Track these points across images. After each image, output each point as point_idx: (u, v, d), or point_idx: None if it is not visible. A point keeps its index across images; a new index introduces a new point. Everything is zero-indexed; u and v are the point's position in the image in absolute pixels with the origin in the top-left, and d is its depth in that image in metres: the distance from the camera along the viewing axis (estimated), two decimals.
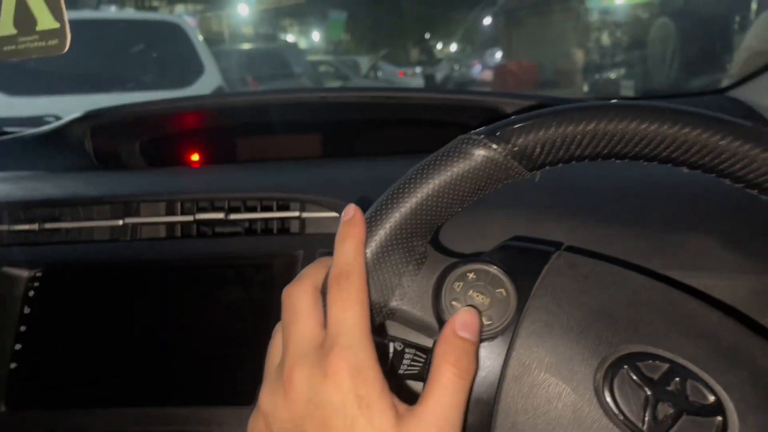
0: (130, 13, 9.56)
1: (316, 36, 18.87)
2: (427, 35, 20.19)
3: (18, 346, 0.73)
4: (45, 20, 0.48)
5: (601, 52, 12.14)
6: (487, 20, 22.74)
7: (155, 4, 10.38)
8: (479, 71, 19.81)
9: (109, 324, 0.74)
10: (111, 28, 4.59)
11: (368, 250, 0.49)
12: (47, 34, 0.48)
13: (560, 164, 0.48)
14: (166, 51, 4.51)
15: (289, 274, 0.70)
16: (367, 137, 1.11)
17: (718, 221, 0.65)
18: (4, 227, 0.82)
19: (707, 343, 0.46)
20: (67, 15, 0.50)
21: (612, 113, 0.46)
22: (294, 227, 0.78)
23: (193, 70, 4.39)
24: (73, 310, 0.75)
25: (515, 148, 0.47)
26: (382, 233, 0.49)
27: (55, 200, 0.83)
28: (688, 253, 0.63)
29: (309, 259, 0.70)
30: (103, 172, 0.99)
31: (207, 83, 4.42)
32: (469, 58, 21.44)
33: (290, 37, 17.93)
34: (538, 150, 0.47)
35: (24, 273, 0.77)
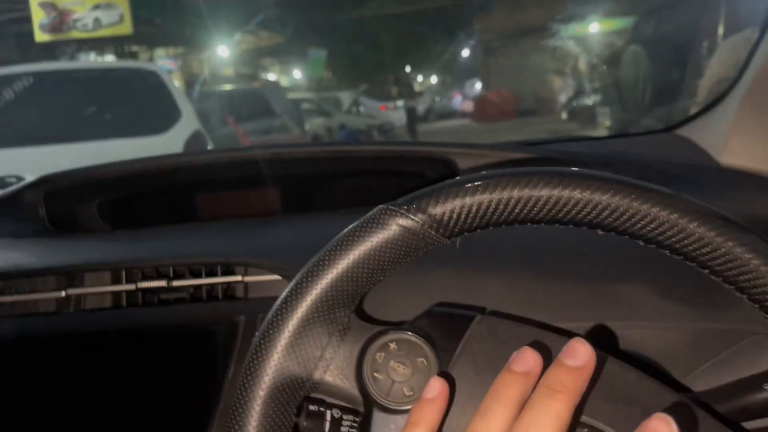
0: (107, 61, 9.63)
1: (297, 74, 19.07)
2: (407, 68, 20.47)
3: None
4: None
5: (578, 79, 12.34)
6: (466, 52, 23.13)
7: (135, 49, 10.46)
8: (460, 102, 20.07)
9: (56, 398, 0.73)
10: (86, 78, 4.61)
11: (290, 324, 0.49)
12: None
13: (478, 230, 0.48)
14: (142, 98, 4.53)
15: (231, 342, 0.70)
16: (325, 190, 1.11)
17: (650, 271, 0.65)
18: None
19: (626, 406, 0.46)
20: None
21: (523, 181, 0.46)
22: (239, 291, 0.78)
23: (169, 115, 4.41)
24: (20, 387, 0.74)
25: (431, 218, 0.47)
26: (303, 306, 0.49)
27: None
28: (622, 303, 0.63)
29: (251, 325, 0.70)
30: (50, 239, 0.98)
31: (184, 128, 4.44)
32: (450, 90, 21.72)
33: (271, 76, 18.11)
34: (454, 218, 0.47)
35: None
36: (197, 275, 0.79)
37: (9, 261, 0.84)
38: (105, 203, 1.10)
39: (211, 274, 0.78)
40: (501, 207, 0.46)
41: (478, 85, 21.18)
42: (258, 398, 0.48)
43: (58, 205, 1.06)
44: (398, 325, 0.52)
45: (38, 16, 6.79)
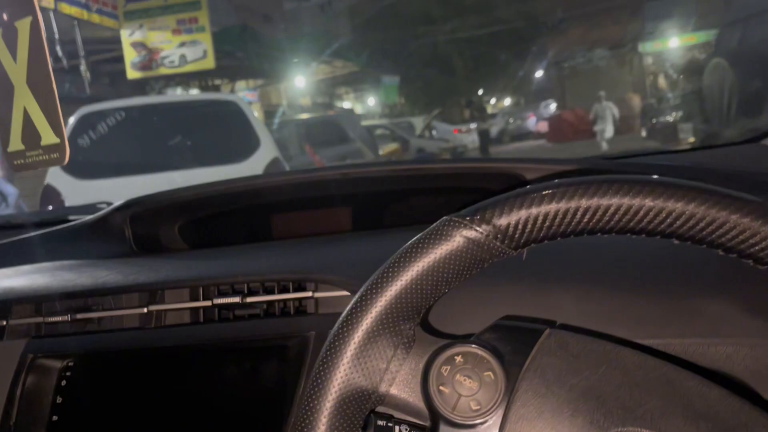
0: (191, 94, 10.13)
1: (371, 101, 19.39)
2: (480, 91, 20.43)
3: None
4: (47, 136, 0.52)
5: (657, 95, 11.93)
6: (539, 72, 22.84)
7: (217, 82, 10.96)
8: (534, 123, 19.78)
9: (137, 411, 0.76)
10: (173, 110, 4.86)
11: (355, 336, 0.50)
12: (50, 149, 0.54)
13: (545, 241, 0.48)
14: (224, 128, 4.73)
15: (302, 357, 0.71)
16: (394, 207, 1.12)
17: (733, 283, 0.61)
18: (39, 319, 0.87)
19: (707, 424, 0.44)
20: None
21: (591, 189, 0.45)
22: (310, 307, 0.79)
23: (249, 144, 4.57)
24: (104, 399, 0.78)
25: (496, 229, 0.47)
26: (368, 319, 0.49)
27: (86, 291, 0.86)
28: (705, 320, 0.60)
29: (321, 340, 0.71)
30: (135, 259, 1.03)
31: (263, 156, 4.59)
32: (524, 111, 21.46)
33: (346, 104, 18.49)
34: (520, 229, 0.47)
35: (57, 363, 0.81)
36: (270, 292, 0.81)
37: (98, 279, 0.89)
38: (186, 224, 1.16)
39: (284, 290, 0.80)
40: (569, 217, 0.45)
41: (553, 105, 20.84)
42: (325, 410, 0.48)
43: (142, 226, 1.12)
44: (464, 339, 0.51)
45: (130, 55, 7.26)
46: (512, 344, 0.50)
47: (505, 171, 0.97)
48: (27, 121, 0.54)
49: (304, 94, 14.23)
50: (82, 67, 7.15)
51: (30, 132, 0.54)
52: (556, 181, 0.47)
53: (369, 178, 1.07)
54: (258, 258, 0.91)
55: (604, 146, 11.06)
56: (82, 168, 4.30)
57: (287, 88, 13.54)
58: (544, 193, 0.46)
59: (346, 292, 0.76)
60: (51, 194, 4.37)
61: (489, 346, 0.50)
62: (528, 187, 0.48)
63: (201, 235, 1.17)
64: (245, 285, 0.81)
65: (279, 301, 0.80)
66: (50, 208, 4.39)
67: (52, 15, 6.57)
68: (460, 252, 0.47)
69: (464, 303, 0.63)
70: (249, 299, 0.80)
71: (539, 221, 0.46)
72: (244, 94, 12.72)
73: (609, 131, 11.39)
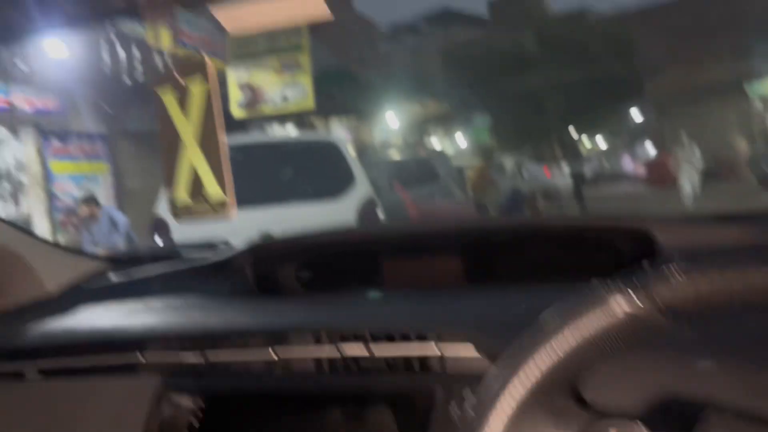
0: (289, 131, 10.53)
1: (461, 140, 19.44)
2: (573, 131, 20.04)
3: None
4: (214, 192, 0.57)
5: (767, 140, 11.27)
6: (637, 113, 22.17)
7: (313, 120, 11.35)
8: (631, 165, 19.16)
9: None
10: (278, 148, 5.08)
11: (506, 407, 0.49)
12: (216, 204, 0.57)
13: (710, 315, 0.46)
14: (322, 166, 4.89)
15: (428, 415, 0.71)
16: (511, 260, 1.10)
17: None
18: (174, 358, 0.91)
19: None
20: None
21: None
22: (434, 363, 0.79)
23: (345, 182, 4.69)
24: None
25: (659, 303, 0.45)
26: (518, 390, 0.49)
27: (217, 332, 0.91)
28: None
29: (447, 399, 0.71)
30: (257, 300, 1.07)
31: (357, 194, 4.69)
32: (619, 152, 20.86)
33: (436, 143, 18.63)
34: (685, 304, 0.45)
35: (189, 402, 0.85)
36: (394, 345, 0.82)
37: (228, 322, 0.93)
38: (302, 266, 1.19)
39: (409, 344, 0.81)
40: (739, 294, 0.44)
41: (651, 148, 20.13)
42: None
43: (263, 267, 1.16)
44: (618, 414, 0.49)
45: (236, 96, 7.65)
46: (671, 423, 0.48)
47: (633, 229, 0.94)
48: (194, 175, 0.58)
49: (395, 133, 14.47)
50: None
51: (196, 186, 0.58)
52: (724, 256, 0.45)
53: (487, 230, 1.07)
54: (380, 308, 0.92)
55: (690, 193, 10.38)
56: None
57: (379, 126, 13.83)
58: (716, 271, 0.44)
59: (474, 352, 0.75)
60: (160, 225, 4.62)
61: (647, 424, 0.48)
62: (691, 263, 0.46)
63: (315, 277, 1.20)
64: (370, 336, 0.83)
65: (404, 356, 0.81)
66: (158, 239, 4.64)
67: (166, 55, 7.05)
68: (620, 326, 0.46)
69: (616, 374, 0.61)
70: (375, 352, 0.81)
71: (706, 297, 0.44)
72: (337, 131, 13.10)
73: (693, 179, 10.73)
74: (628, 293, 0.46)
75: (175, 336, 0.93)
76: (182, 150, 0.57)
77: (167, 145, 0.59)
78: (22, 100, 7.88)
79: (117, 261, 1.44)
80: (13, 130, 8.59)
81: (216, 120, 0.56)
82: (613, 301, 0.46)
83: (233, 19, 0.70)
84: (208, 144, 0.56)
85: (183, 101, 0.57)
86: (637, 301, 0.45)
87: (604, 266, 0.99)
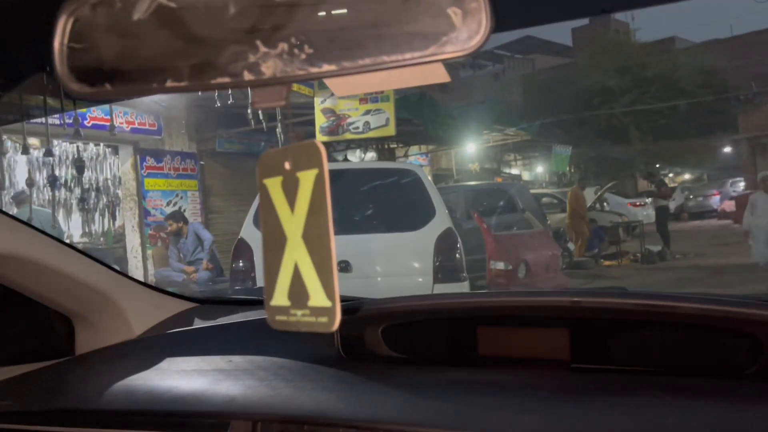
0: (369, 158, 10.66)
1: (539, 169, 19.13)
2: (657, 164, 19.35)
3: None
4: (317, 298, 0.49)
5: None
6: (727, 147, 21.16)
7: (392, 146, 11.48)
8: (719, 201, 18.26)
9: None
10: (358, 176, 5.15)
11: None
12: (318, 311, 0.49)
13: None
14: (403, 196, 4.92)
15: None
16: (623, 342, 1.00)
17: None
18: None
19: None
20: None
21: None
22: None
23: (425, 213, 4.70)
24: None
25: None
26: None
27: (305, 418, 0.88)
28: None
29: None
30: (348, 375, 1.03)
31: (437, 225, 4.68)
32: (706, 188, 19.93)
33: (514, 171, 18.40)
34: None
35: None
36: None
37: (319, 404, 0.90)
38: (389, 328, 1.15)
39: None
40: None
41: (742, 184, 19.11)
42: None
43: (349, 330, 1.13)
44: None
45: (320, 120, 7.88)
46: None
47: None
48: (296, 276, 0.49)
49: (473, 160, 14.41)
50: (278, 129, 7.88)
51: (298, 289, 0.49)
52: None
53: (602, 308, 0.99)
54: (483, 404, 0.87)
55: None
56: None
57: (457, 153, 13.81)
58: None
59: None
60: (243, 248, 4.74)
61: None
62: None
63: (403, 341, 1.15)
64: None
65: None
66: (241, 262, 4.75)
67: None
68: None
69: None
70: None
71: None
72: (415, 157, 13.18)
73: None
74: None
75: (259, 418, 0.91)
76: (285, 250, 0.50)
77: (270, 244, 0.52)
78: (122, 120, 8.40)
79: (204, 302, 1.45)
80: (113, 148, 9.16)
81: (326, 217, 0.48)
82: None
83: (341, 85, 0.67)
84: (313, 243, 0.49)
85: (292, 193, 0.50)
86: None
87: (733, 356, 0.91)
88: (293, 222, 0.49)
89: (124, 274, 1.37)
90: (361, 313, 1.13)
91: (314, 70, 0.42)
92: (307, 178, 0.48)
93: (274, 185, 0.50)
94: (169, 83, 0.42)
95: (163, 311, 1.32)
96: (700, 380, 0.89)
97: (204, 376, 1.07)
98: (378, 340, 1.13)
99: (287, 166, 0.49)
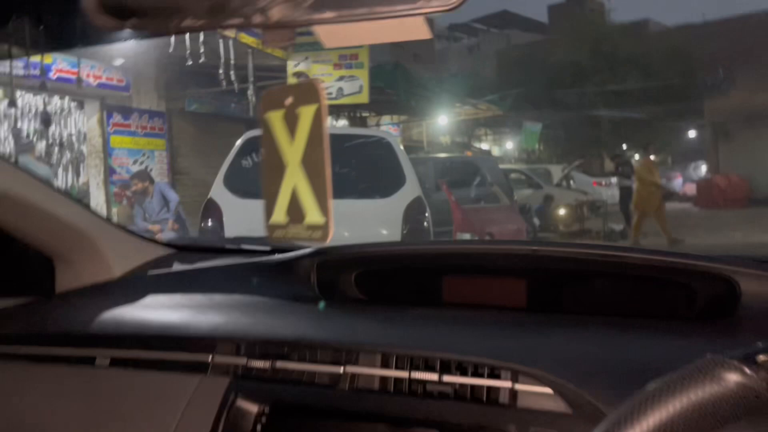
0: (340, 125, 10.60)
1: (509, 144, 19.27)
2: (624, 146, 19.67)
3: None
4: (313, 215, 0.55)
5: None
6: (691, 132, 21.60)
7: (364, 114, 11.44)
8: (681, 184, 18.71)
9: None
10: (334, 141, 5.13)
11: None
12: (312, 227, 0.55)
13: None
14: (374, 163, 4.93)
15: None
16: (576, 291, 1.08)
17: None
18: (242, 361, 0.94)
19: None
20: None
21: None
22: (503, 396, 0.79)
23: (396, 181, 4.73)
24: None
25: None
26: None
27: (286, 341, 0.94)
28: None
29: None
30: (327, 310, 1.09)
31: (407, 194, 4.73)
32: (670, 171, 20.37)
33: (484, 146, 18.51)
34: None
35: (254, 408, 0.87)
36: (463, 373, 0.82)
37: (297, 330, 0.96)
38: (361, 274, 1.20)
39: (477, 375, 0.81)
40: None
41: (703, 168, 19.62)
42: None
43: (326, 273, 1.18)
44: None
45: (293, 83, 7.75)
46: None
47: (715, 273, 0.92)
48: (294, 198, 0.56)
49: (444, 133, 14.45)
50: (250, 92, 7.77)
51: (295, 209, 0.56)
52: None
53: (556, 257, 1.06)
54: (449, 333, 0.93)
55: None
56: (242, 187, 4.62)
57: (429, 125, 13.82)
58: None
59: (548, 389, 0.75)
60: (212, 208, 4.72)
61: None
62: None
63: (374, 287, 1.20)
64: (438, 362, 0.83)
65: (473, 384, 0.81)
66: (210, 221, 4.72)
67: (231, 43, 7.21)
68: (732, 399, 0.45)
69: None
70: (445, 378, 0.81)
71: None
72: (387, 128, 13.15)
73: None
74: (743, 366, 0.45)
75: (244, 340, 0.96)
76: (285, 174, 0.57)
77: (271, 169, 0.58)
78: (89, 74, 8.16)
79: (181, 249, 1.48)
80: (79, 102, 8.92)
81: (322, 146, 0.54)
82: (725, 371, 0.46)
83: (332, 35, 0.69)
84: (311, 168, 0.55)
85: (292, 125, 0.57)
86: (752, 375, 0.45)
87: (675, 305, 0.97)
88: (293, 150, 0.55)
89: (106, 219, 1.39)
90: (337, 255, 1.19)
91: (315, 16, 0.46)
92: (307, 112, 0.54)
93: (276, 118, 0.55)
94: (188, 22, 0.45)
95: (142, 255, 1.34)
96: (645, 320, 0.95)
97: (189, 309, 1.12)
98: (351, 284, 1.18)
99: (289, 101, 0.54)
